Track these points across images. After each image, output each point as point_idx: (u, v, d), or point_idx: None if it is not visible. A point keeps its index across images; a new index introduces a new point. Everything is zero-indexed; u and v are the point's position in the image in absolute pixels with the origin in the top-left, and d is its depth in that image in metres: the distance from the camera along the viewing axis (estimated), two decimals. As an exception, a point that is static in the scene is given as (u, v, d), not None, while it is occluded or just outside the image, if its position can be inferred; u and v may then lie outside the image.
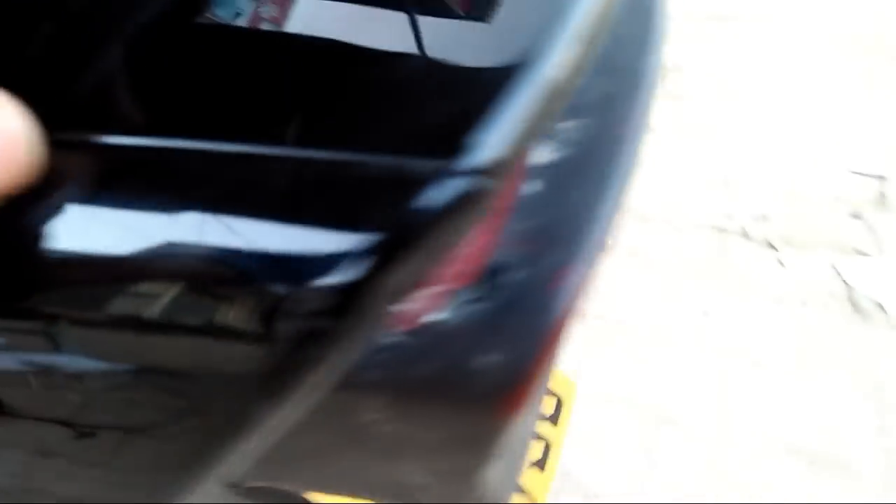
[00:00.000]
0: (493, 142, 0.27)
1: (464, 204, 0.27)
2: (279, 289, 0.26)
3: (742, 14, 3.07)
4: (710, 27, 2.99)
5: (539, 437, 0.78)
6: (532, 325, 0.30)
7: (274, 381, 0.27)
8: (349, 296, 0.26)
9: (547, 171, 0.34)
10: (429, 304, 0.31)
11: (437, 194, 0.26)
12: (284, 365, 0.27)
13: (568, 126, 0.35)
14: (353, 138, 0.27)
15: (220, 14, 0.34)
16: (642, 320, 1.92)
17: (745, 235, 2.16)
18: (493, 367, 0.29)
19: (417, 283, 0.29)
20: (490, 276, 0.31)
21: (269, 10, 0.34)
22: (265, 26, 0.34)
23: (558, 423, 0.80)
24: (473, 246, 0.32)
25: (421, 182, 0.26)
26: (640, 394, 1.78)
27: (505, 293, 0.31)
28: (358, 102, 0.30)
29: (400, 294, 0.28)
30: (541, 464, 0.78)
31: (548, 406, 0.79)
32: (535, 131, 0.28)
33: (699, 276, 2.02)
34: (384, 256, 0.26)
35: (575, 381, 0.84)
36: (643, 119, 0.36)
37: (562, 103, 0.29)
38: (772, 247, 2.12)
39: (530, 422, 0.47)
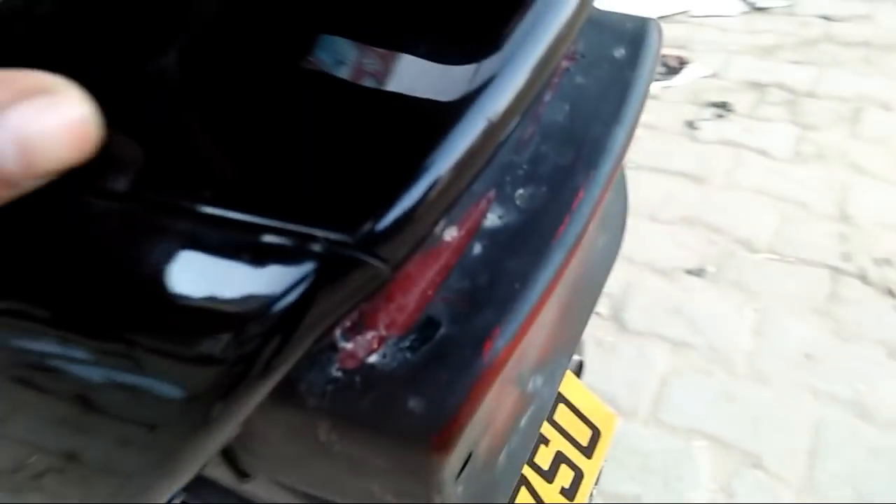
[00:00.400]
0: (390, 218, 0.31)
1: (343, 277, 0.31)
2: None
3: (882, 40, 2.91)
4: (847, 53, 2.85)
5: (571, 466, 0.80)
6: (456, 378, 0.33)
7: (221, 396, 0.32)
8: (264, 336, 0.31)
9: (490, 236, 0.37)
10: (369, 346, 0.35)
11: (319, 266, 0.31)
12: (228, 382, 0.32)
13: (519, 193, 0.38)
14: (263, 199, 0.32)
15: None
16: (737, 354, 1.87)
17: (863, 279, 2.05)
18: (420, 411, 0.33)
19: (326, 330, 0.34)
20: (422, 329, 0.35)
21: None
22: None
23: (593, 456, 0.81)
24: (410, 299, 0.36)
25: (307, 251, 0.31)
26: (726, 431, 1.74)
27: (434, 345, 0.34)
28: (281, 159, 0.34)
29: (300, 346, 0.33)
30: (569, 493, 0.80)
31: (582, 437, 0.81)
32: (443, 205, 0.32)
33: (806, 315, 1.95)
34: (281, 311, 0.31)
35: (616, 413, 0.85)
36: (599, 192, 0.39)
37: (476, 170, 0.33)
38: (892, 294, 2.01)
39: (517, 450, 0.50)
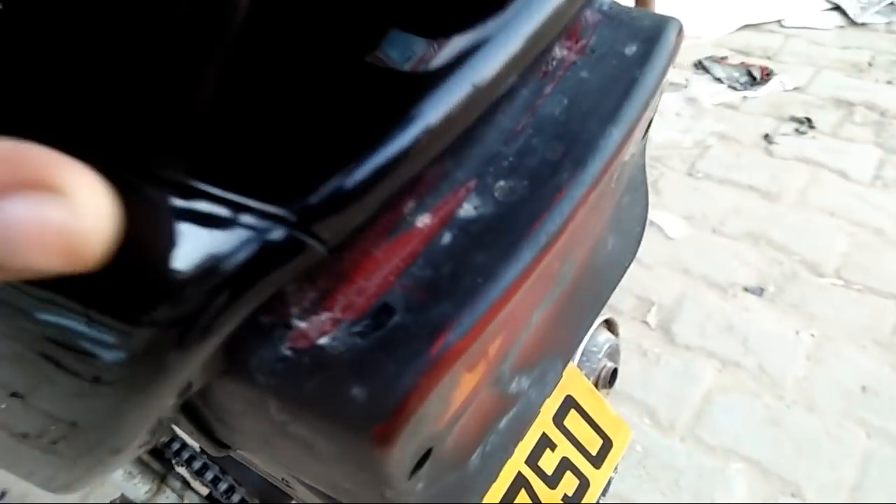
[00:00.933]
0: (330, 195, 0.30)
1: (275, 254, 0.30)
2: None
3: None
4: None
5: (576, 474, 0.78)
6: (403, 369, 0.32)
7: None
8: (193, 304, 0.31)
9: (462, 226, 0.36)
10: (322, 328, 0.34)
11: (252, 239, 0.30)
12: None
13: (499, 185, 0.37)
14: (208, 164, 0.31)
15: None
16: (788, 379, 1.81)
17: (937, 317, 1.95)
18: (362, 399, 0.32)
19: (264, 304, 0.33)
20: (375, 314, 0.34)
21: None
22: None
23: (601, 467, 0.79)
24: (371, 283, 0.34)
25: (243, 223, 0.30)
26: (767, 456, 1.69)
27: (385, 333, 0.33)
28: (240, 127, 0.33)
29: (232, 320, 0.32)
30: (572, 501, 0.78)
31: (592, 446, 0.79)
32: (392, 186, 0.31)
33: (867, 347, 1.86)
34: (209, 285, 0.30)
35: (630, 427, 0.82)
36: (583, 192, 0.37)
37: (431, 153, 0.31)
38: (962, 333, 1.90)
39: (494, 451, 0.48)
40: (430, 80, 0.33)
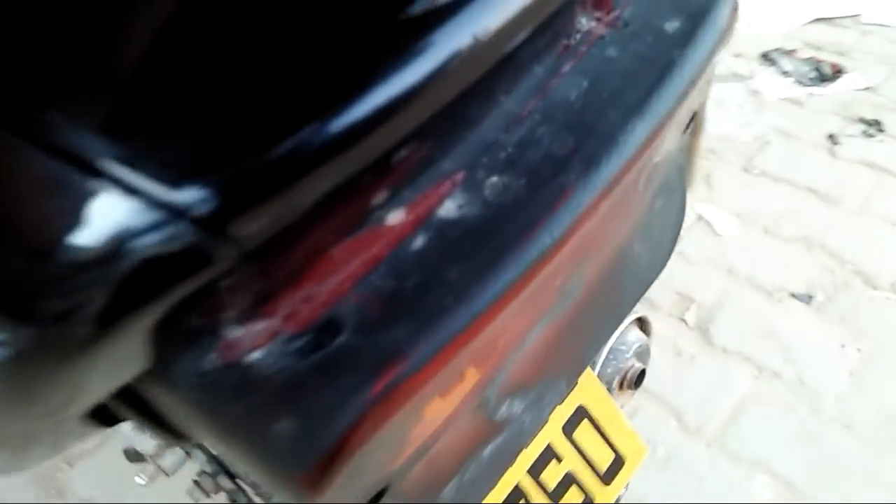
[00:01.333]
0: (254, 175, 0.23)
1: (165, 253, 0.23)
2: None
3: None
4: None
5: (582, 490, 0.72)
6: (341, 405, 0.26)
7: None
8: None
9: (440, 228, 0.29)
10: (255, 340, 0.28)
11: (142, 232, 0.23)
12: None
13: (492, 181, 0.30)
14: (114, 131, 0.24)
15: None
16: (828, 393, 1.71)
17: None
18: (289, 436, 0.26)
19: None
20: (319, 330, 0.27)
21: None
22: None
23: (610, 485, 0.73)
24: (323, 289, 0.28)
25: (129, 209, 0.23)
26: (796, 473, 1.60)
27: (327, 355, 0.27)
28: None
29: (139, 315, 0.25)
30: (576, 517, 0.72)
31: (602, 461, 0.72)
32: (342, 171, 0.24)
33: (917, 367, 1.75)
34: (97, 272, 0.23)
35: (646, 447, 0.76)
36: (593, 197, 0.29)
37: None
38: None
39: (473, 482, 0.42)
40: (415, 25, 0.25)
